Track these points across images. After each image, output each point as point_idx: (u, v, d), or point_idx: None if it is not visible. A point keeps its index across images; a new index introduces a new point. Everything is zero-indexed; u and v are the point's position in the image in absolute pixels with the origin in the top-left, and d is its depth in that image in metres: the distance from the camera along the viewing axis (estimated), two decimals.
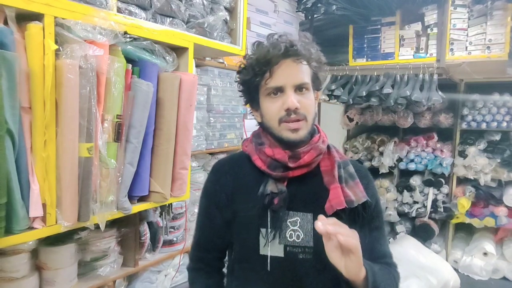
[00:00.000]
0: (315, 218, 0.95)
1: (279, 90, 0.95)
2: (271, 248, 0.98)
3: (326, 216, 0.92)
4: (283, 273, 0.98)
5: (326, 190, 0.99)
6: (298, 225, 0.99)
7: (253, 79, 0.97)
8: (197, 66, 2.12)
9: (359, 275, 0.86)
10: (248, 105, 1.08)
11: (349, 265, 0.84)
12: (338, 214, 0.94)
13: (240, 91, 1.06)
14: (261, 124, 1.05)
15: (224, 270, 1.15)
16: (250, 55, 0.99)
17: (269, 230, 0.97)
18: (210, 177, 1.11)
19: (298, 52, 0.94)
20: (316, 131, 1.04)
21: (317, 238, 0.94)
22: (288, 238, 0.98)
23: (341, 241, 0.81)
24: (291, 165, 0.97)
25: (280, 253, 0.98)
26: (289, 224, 0.99)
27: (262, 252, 0.98)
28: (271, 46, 0.95)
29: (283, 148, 0.99)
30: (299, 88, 0.95)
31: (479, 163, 3.50)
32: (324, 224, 0.82)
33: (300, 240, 0.98)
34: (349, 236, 0.82)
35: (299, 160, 0.97)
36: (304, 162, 0.98)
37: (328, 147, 1.04)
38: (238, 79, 1.04)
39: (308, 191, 1.01)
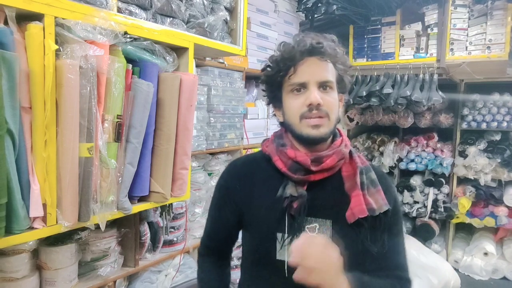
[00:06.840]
0: (334, 225, 0.95)
1: (302, 86, 0.94)
2: (288, 253, 0.93)
3: (347, 224, 0.93)
4: None
5: (346, 196, 0.96)
6: (317, 232, 0.95)
7: (277, 74, 0.96)
8: (197, 66, 2.12)
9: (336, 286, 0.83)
10: (271, 105, 1.06)
11: (319, 279, 0.82)
12: (359, 222, 0.93)
13: (263, 90, 1.06)
14: (282, 123, 1.03)
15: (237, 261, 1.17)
16: (275, 54, 0.99)
17: (285, 235, 0.94)
18: (224, 174, 1.10)
19: (323, 51, 0.93)
20: (338, 134, 1.02)
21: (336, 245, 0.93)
22: None
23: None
24: (313, 168, 0.94)
25: None
26: (307, 230, 0.95)
27: (278, 257, 0.96)
28: (297, 43, 0.94)
29: (304, 148, 0.97)
30: (323, 86, 0.94)
31: (479, 163, 3.49)
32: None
33: None
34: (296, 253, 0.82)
35: (322, 164, 0.95)
36: (327, 166, 0.95)
37: (350, 152, 1.01)
38: (263, 77, 1.03)
39: (328, 197, 0.97)
